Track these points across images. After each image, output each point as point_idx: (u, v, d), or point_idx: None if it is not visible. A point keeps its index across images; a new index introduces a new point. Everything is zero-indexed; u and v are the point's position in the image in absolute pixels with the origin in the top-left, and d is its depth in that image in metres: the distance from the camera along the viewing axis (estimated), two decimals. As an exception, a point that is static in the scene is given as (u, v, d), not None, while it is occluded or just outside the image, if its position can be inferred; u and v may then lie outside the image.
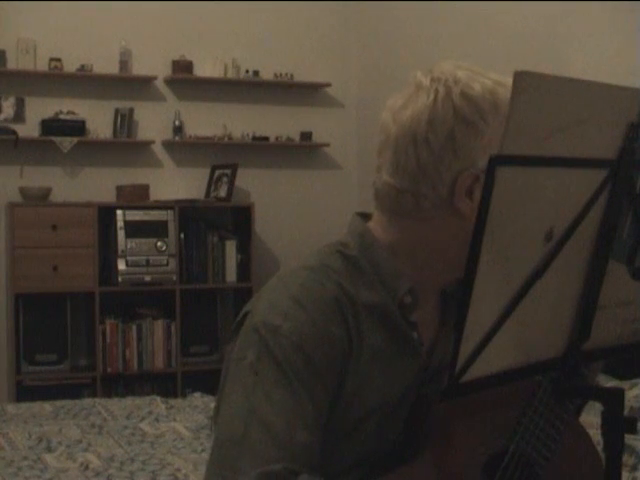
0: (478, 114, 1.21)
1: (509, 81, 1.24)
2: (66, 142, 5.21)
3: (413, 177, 1.24)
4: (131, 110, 5.42)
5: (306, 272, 1.26)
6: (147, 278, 5.20)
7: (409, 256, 1.28)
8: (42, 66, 5.28)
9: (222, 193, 5.50)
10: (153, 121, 5.54)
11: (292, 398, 1.18)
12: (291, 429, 1.17)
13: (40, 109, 5.27)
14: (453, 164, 1.21)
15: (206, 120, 5.62)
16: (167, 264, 5.23)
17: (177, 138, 5.53)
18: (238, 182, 5.55)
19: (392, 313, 1.27)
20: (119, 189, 5.35)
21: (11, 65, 5.22)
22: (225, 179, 5.52)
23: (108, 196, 5.36)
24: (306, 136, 5.78)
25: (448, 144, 1.21)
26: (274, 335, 1.20)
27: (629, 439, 2.25)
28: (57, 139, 5.20)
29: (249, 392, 1.19)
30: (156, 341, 5.27)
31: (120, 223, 5.15)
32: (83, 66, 5.32)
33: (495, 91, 1.22)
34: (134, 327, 5.25)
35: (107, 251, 5.21)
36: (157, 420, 3.45)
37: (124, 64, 5.40)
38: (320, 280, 1.25)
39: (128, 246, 5.15)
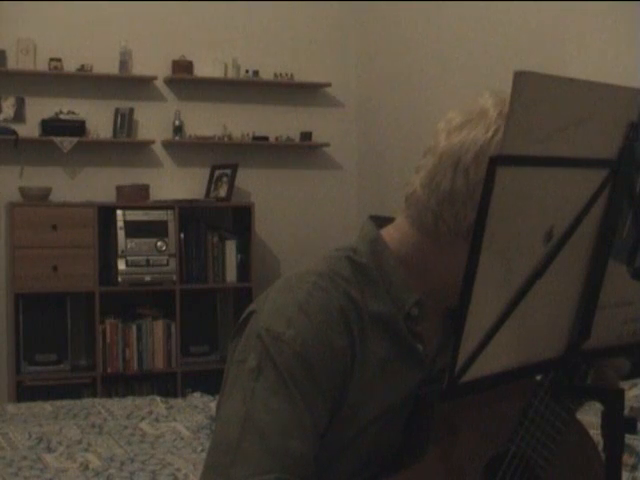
0: None
1: None
2: (66, 142, 5.21)
3: (442, 199, 1.22)
4: (131, 110, 5.42)
5: (314, 278, 1.24)
6: (147, 278, 5.20)
7: (419, 272, 1.28)
8: (42, 66, 5.28)
9: (222, 193, 5.50)
10: (153, 121, 5.54)
11: (290, 407, 1.17)
12: (286, 439, 1.16)
13: (40, 109, 5.27)
14: None
15: (206, 120, 5.62)
16: (167, 264, 5.23)
17: (177, 138, 5.53)
18: (238, 182, 5.56)
19: (398, 324, 1.26)
20: (119, 189, 5.34)
21: (11, 65, 5.22)
22: (225, 179, 5.52)
23: (108, 196, 5.36)
24: (306, 136, 5.78)
25: None
26: (276, 342, 1.19)
27: (629, 439, 2.24)
28: (57, 139, 5.20)
29: (247, 398, 1.19)
30: (156, 341, 5.27)
31: (120, 223, 5.15)
32: (83, 66, 5.32)
33: None
34: (134, 327, 5.25)
35: (107, 251, 5.20)
36: (157, 420, 3.45)
37: (124, 64, 5.40)
38: (327, 288, 1.23)
39: (128, 246, 5.15)
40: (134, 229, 5.17)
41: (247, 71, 5.67)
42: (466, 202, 1.20)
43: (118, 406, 3.67)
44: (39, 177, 5.28)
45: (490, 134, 1.20)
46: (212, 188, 5.56)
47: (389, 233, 1.30)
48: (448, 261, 1.25)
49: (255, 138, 5.70)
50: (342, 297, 1.23)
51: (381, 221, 1.34)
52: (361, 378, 1.23)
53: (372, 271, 1.27)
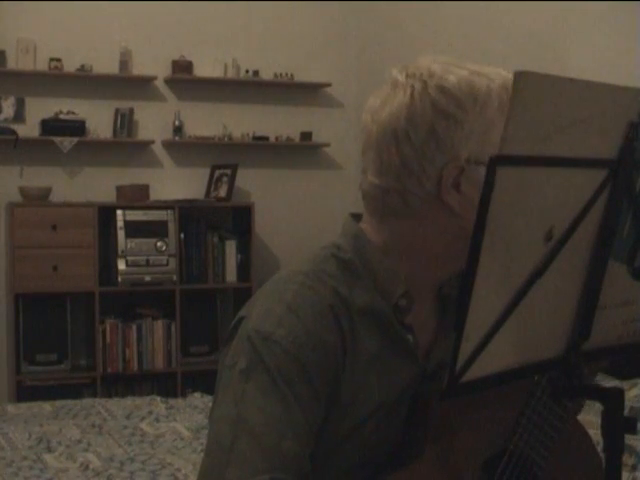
0: (456, 105, 1.20)
1: (485, 70, 1.24)
2: (66, 142, 5.21)
3: (398, 175, 1.23)
4: (131, 110, 5.42)
5: (301, 277, 1.24)
6: (147, 278, 5.20)
7: (402, 256, 1.27)
8: (42, 66, 5.28)
9: (222, 193, 5.50)
10: (153, 121, 5.54)
11: (282, 407, 1.17)
12: (280, 439, 1.15)
13: (40, 109, 5.27)
14: (436, 158, 1.20)
15: (206, 120, 5.62)
16: (167, 264, 5.23)
17: (177, 138, 5.53)
18: (238, 182, 5.56)
19: (387, 317, 1.26)
20: (119, 189, 5.35)
21: (11, 65, 5.22)
22: (225, 179, 5.52)
23: (108, 196, 5.36)
24: (306, 136, 5.78)
25: (429, 138, 1.20)
26: (266, 342, 1.19)
27: (629, 439, 2.25)
28: (57, 139, 5.20)
29: (238, 400, 1.18)
30: (156, 341, 5.27)
31: (120, 223, 5.15)
32: (83, 66, 5.32)
33: (471, 80, 1.21)
34: (134, 327, 5.25)
35: (107, 251, 5.21)
36: (157, 420, 3.45)
37: (124, 64, 5.40)
38: (315, 286, 1.23)
39: (128, 246, 5.15)
40: (134, 229, 5.17)
41: (247, 71, 5.67)
42: (422, 163, 1.21)
43: (118, 406, 3.67)
44: (39, 177, 5.28)
45: (409, 93, 1.22)
46: (212, 188, 5.56)
47: (365, 228, 1.31)
48: (430, 230, 1.25)
49: (255, 138, 5.70)
50: (330, 294, 1.23)
51: (359, 218, 1.35)
52: (353, 374, 1.23)
53: (357, 266, 1.27)
